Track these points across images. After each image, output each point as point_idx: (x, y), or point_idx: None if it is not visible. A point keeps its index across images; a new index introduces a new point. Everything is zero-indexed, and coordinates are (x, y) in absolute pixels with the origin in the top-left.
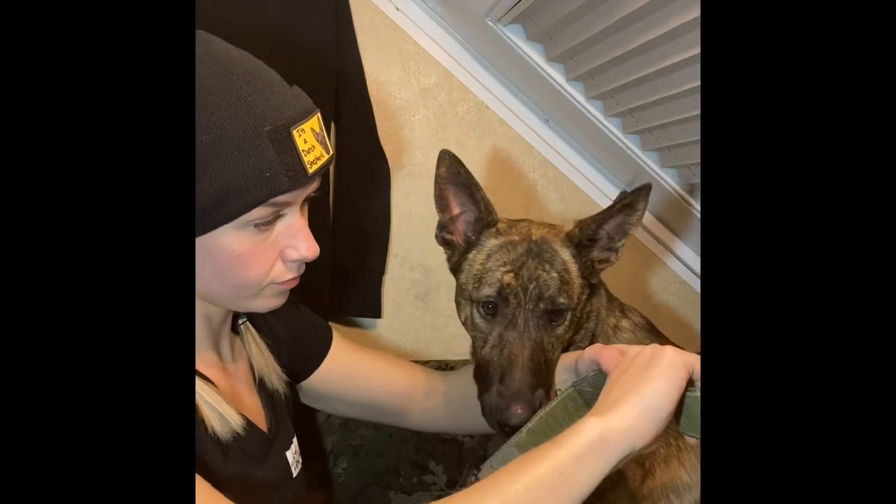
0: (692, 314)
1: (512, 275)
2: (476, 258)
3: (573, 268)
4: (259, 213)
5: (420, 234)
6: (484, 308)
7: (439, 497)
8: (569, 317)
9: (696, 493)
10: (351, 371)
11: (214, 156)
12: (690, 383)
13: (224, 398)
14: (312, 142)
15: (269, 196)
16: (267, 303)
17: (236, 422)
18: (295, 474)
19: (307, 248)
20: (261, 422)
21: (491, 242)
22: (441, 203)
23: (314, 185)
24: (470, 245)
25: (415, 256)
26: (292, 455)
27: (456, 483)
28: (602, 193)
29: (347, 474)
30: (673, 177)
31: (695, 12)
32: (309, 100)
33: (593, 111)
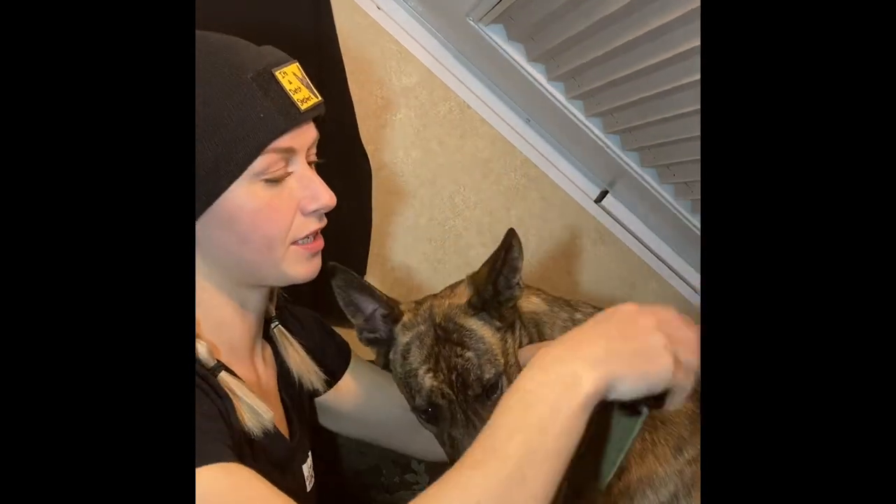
0: None
1: (431, 374)
2: (395, 360)
3: (486, 331)
4: (265, 161)
5: (401, 234)
6: (424, 416)
7: None
8: (504, 381)
9: (672, 486)
10: (367, 388)
11: (208, 114)
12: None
13: (256, 394)
14: (297, 84)
15: (269, 138)
16: (299, 268)
17: (268, 415)
18: (308, 489)
19: (323, 195)
20: (284, 430)
21: (402, 340)
22: (350, 309)
23: (313, 133)
24: (389, 343)
25: (396, 256)
26: (308, 469)
27: None
28: (583, 193)
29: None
30: (653, 176)
31: (675, 13)
32: (283, 53)
33: (574, 111)
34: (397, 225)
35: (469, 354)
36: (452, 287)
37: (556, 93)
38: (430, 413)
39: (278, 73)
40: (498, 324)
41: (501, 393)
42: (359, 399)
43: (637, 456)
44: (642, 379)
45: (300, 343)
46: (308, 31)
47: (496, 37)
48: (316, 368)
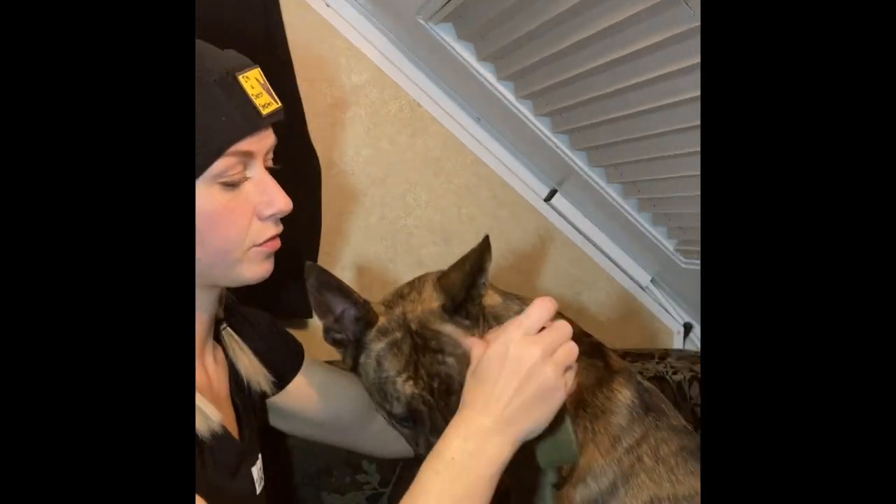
0: (620, 311)
1: (411, 382)
2: (368, 364)
3: (461, 335)
4: (224, 164)
5: (351, 233)
6: (401, 423)
7: (372, 496)
8: None
9: (611, 475)
10: (319, 388)
11: None
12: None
13: (205, 397)
14: (259, 89)
15: (229, 141)
16: (255, 269)
17: (216, 418)
18: (258, 491)
19: (280, 200)
20: (235, 433)
21: (376, 346)
22: (321, 309)
23: (271, 139)
24: (359, 347)
25: (346, 255)
26: (257, 472)
27: (389, 482)
28: (532, 192)
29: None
30: (600, 175)
31: (624, 14)
32: (246, 58)
33: (523, 110)
34: (348, 224)
35: (451, 360)
36: (417, 289)
37: (505, 92)
38: (407, 419)
39: (241, 78)
40: (467, 323)
41: None
42: (311, 399)
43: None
44: (546, 418)
45: (249, 346)
46: (256, 29)
47: (446, 36)
48: (265, 371)
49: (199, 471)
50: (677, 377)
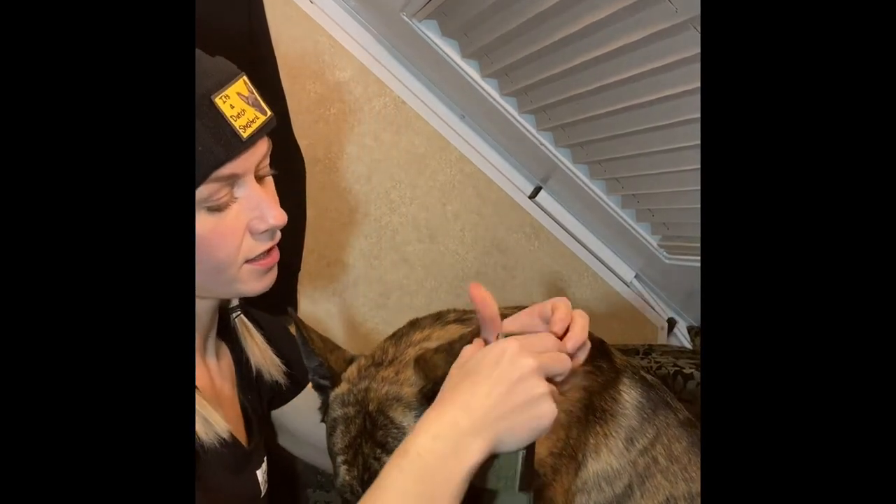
0: (605, 306)
1: (346, 468)
2: (327, 425)
3: None
4: (207, 190)
5: (336, 230)
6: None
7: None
8: None
9: (626, 478)
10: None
11: None
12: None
13: (209, 403)
14: (241, 105)
15: (208, 171)
16: (252, 285)
17: (222, 427)
18: (262, 494)
19: (273, 216)
20: (241, 435)
21: (332, 413)
22: (306, 349)
23: (261, 151)
24: (326, 404)
25: (331, 252)
26: (262, 475)
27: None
28: (517, 188)
29: None
30: (584, 172)
31: (606, 11)
32: (231, 65)
33: (508, 107)
34: (332, 221)
35: (386, 459)
36: (398, 362)
37: (490, 89)
38: (344, 500)
39: (218, 99)
40: None
41: None
42: (315, 420)
43: (593, 451)
44: (526, 433)
45: (262, 334)
46: (240, 25)
47: (430, 33)
48: (277, 361)
49: (197, 471)
50: (661, 372)
